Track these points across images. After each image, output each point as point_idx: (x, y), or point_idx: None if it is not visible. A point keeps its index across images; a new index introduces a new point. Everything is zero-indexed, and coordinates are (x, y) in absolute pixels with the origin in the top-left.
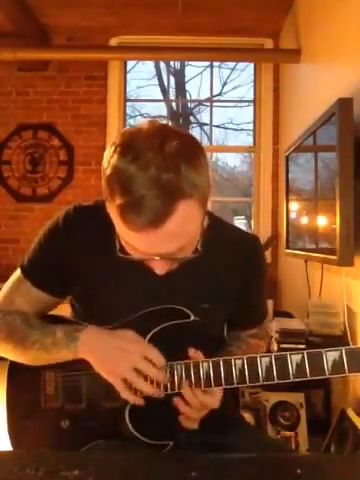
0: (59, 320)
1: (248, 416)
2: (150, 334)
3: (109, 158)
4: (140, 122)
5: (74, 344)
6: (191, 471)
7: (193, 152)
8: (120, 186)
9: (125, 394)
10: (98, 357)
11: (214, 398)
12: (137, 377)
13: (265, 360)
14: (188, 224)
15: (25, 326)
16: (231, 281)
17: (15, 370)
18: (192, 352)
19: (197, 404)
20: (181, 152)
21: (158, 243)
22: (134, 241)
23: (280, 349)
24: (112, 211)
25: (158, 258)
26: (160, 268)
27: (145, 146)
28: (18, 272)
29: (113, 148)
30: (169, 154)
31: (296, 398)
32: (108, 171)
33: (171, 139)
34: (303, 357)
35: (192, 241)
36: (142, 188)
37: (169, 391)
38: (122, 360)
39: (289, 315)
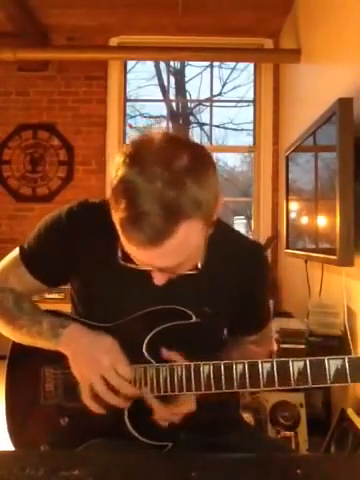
0: (51, 313)
1: (248, 416)
2: (151, 334)
3: (117, 168)
4: (153, 131)
5: (56, 340)
6: (191, 471)
7: (202, 169)
8: (124, 198)
9: (86, 400)
10: (73, 358)
11: (185, 406)
12: (103, 386)
13: (266, 366)
14: (188, 243)
15: (16, 308)
16: (233, 289)
17: (14, 366)
18: (165, 353)
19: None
20: (189, 169)
21: (156, 259)
22: (133, 253)
23: (280, 349)
24: (116, 221)
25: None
26: (159, 279)
27: (154, 160)
28: (16, 252)
29: (122, 158)
30: (177, 170)
31: (296, 398)
32: (115, 181)
33: (181, 154)
34: (305, 364)
35: (192, 257)
36: (145, 203)
37: (169, 392)
38: (92, 368)
39: (289, 315)
